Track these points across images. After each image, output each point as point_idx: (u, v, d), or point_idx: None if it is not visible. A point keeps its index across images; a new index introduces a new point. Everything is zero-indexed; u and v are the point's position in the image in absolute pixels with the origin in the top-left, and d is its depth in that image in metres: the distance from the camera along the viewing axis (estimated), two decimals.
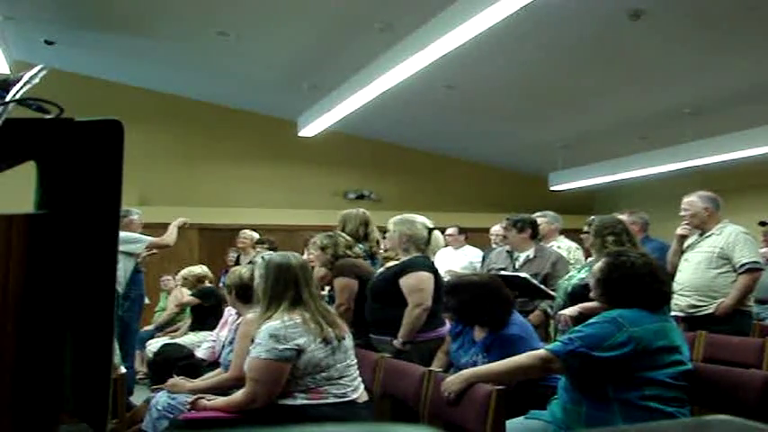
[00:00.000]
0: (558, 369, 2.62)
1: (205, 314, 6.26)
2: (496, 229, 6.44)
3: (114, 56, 8.34)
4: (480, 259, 6.84)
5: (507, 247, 5.13)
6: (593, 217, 4.31)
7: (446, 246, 6.79)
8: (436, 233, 3.94)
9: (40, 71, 1.04)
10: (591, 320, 2.62)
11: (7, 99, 0.96)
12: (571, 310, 4.04)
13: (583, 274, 4.32)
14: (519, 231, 4.92)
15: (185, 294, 6.95)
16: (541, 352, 2.66)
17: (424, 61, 5.39)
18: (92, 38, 7.74)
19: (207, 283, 6.56)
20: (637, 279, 2.64)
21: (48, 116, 0.98)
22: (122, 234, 5.52)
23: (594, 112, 8.06)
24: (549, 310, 4.54)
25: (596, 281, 2.80)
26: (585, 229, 4.46)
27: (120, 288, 5.30)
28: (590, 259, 4.41)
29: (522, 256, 4.90)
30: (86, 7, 6.93)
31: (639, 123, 8.09)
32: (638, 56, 6.43)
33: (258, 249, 6.73)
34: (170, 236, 5.82)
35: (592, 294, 2.88)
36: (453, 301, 3.33)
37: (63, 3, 6.91)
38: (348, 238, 4.24)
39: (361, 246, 4.33)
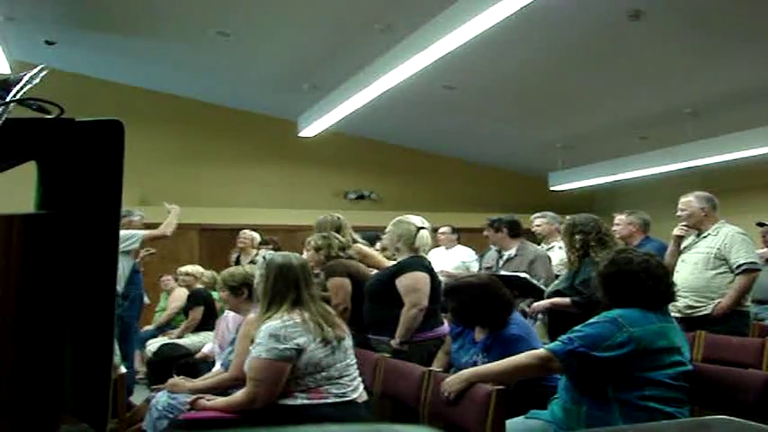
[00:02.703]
0: (558, 368, 2.62)
1: (203, 315, 6.28)
2: None
3: (114, 56, 8.34)
4: (472, 259, 6.87)
5: (497, 247, 5.26)
6: (567, 217, 4.29)
7: (438, 245, 6.80)
8: (423, 232, 3.91)
9: (40, 71, 1.04)
10: (591, 320, 2.62)
11: (8, 99, 0.96)
12: (542, 304, 4.13)
13: (557, 280, 4.39)
14: (496, 231, 5.11)
15: (177, 291, 6.97)
16: (541, 351, 2.66)
17: (424, 62, 5.39)
18: (92, 38, 7.74)
19: (197, 285, 6.57)
20: (634, 278, 2.64)
21: (48, 116, 0.98)
22: None
23: (594, 112, 8.06)
24: (526, 309, 4.58)
25: (598, 279, 2.80)
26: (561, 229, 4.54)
27: (119, 287, 5.28)
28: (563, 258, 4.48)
29: (506, 255, 5.03)
30: (86, 7, 6.93)
31: (639, 123, 8.09)
32: (637, 56, 6.43)
33: (262, 249, 6.73)
34: (168, 225, 5.65)
35: (597, 293, 2.88)
36: (453, 302, 3.33)
37: (63, 3, 6.91)
38: (342, 239, 4.24)
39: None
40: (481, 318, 3.21)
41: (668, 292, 2.70)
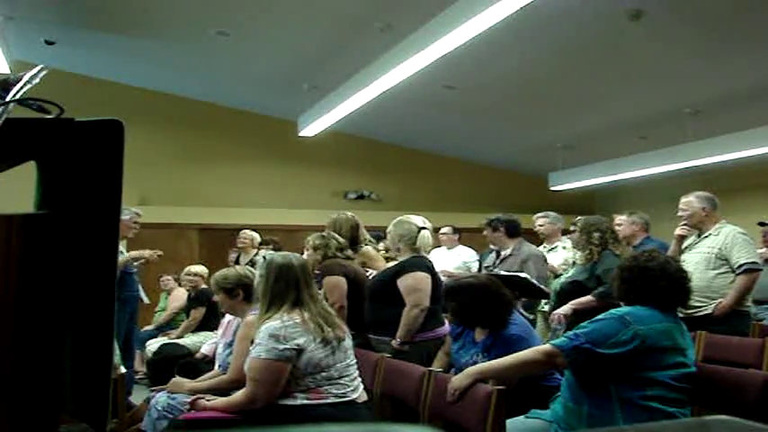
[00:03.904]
0: (563, 364, 2.62)
1: (204, 315, 6.28)
2: None
3: (114, 56, 8.34)
4: (474, 259, 6.87)
5: (497, 247, 5.25)
6: (579, 217, 4.44)
7: (439, 246, 6.80)
8: (424, 232, 3.91)
9: (40, 71, 1.04)
10: (598, 317, 2.63)
11: (8, 99, 0.96)
12: (564, 309, 4.14)
13: (568, 273, 4.42)
14: (494, 230, 5.13)
15: (177, 291, 6.97)
16: (546, 347, 2.67)
17: (424, 61, 5.39)
18: (92, 38, 7.74)
19: (202, 285, 6.56)
20: (650, 275, 2.65)
21: (48, 116, 0.98)
22: None
23: (594, 112, 8.05)
24: (546, 309, 4.61)
25: (616, 272, 2.81)
26: (572, 228, 4.56)
27: None
28: (578, 255, 4.51)
29: (503, 254, 5.04)
30: (86, 7, 6.93)
31: (639, 123, 8.09)
32: (638, 56, 6.43)
33: (262, 249, 6.73)
34: (123, 257, 5.43)
35: (612, 290, 2.89)
36: (453, 303, 3.33)
37: (63, 3, 6.91)
38: (341, 240, 4.25)
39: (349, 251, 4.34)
40: (481, 318, 3.21)
41: (682, 296, 2.70)
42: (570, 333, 2.61)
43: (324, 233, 4.31)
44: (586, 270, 4.31)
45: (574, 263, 5.18)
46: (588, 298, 4.15)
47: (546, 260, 5.21)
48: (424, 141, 10.35)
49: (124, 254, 5.45)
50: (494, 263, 5.14)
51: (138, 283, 5.82)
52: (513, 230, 5.13)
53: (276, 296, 2.99)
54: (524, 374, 2.88)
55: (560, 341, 2.61)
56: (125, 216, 5.46)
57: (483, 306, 3.17)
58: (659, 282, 2.64)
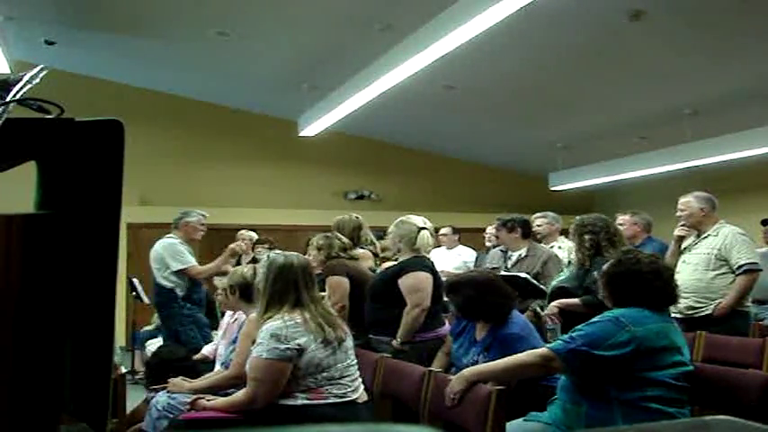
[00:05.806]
0: (559, 367, 2.61)
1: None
2: (491, 229, 6.44)
3: (114, 56, 8.35)
4: (473, 259, 6.85)
5: (502, 247, 5.16)
6: (577, 217, 4.30)
7: (439, 246, 6.79)
8: (424, 233, 3.91)
9: (40, 71, 1.04)
10: (593, 319, 2.62)
11: (8, 99, 0.96)
12: (549, 308, 4.08)
13: (562, 276, 4.34)
14: (509, 231, 4.95)
15: None
16: (543, 350, 2.65)
17: (424, 61, 5.39)
18: (92, 38, 7.74)
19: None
20: (642, 278, 2.64)
21: (48, 116, 0.98)
22: (171, 245, 5.46)
23: (594, 112, 8.06)
24: (538, 309, 4.55)
25: (603, 278, 2.79)
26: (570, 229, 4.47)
27: (179, 292, 5.41)
28: (572, 257, 4.42)
29: (515, 256, 4.94)
30: (86, 7, 6.93)
31: (639, 123, 8.09)
32: (637, 56, 6.44)
33: (258, 249, 6.73)
34: (215, 264, 5.67)
35: (600, 294, 2.87)
36: (457, 297, 3.32)
37: (63, 3, 6.91)
38: (345, 240, 4.27)
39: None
40: (485, 311, 3.20)
41: (674, 294, 2.70)
42: (566, 336, 2.60)
43: (328, 233, 4.33)
44: (577, 278, 4.06)
45: (569, 263, 5.17)
46: (576, 301, 3.94)
47: (560, 260, 5.17)
48: (424, 141, 10.36)
49: (192, 255, 5.53)
50: (504, 264, 5.02)
51: (202, 284, 5.86)
52: (528, 231, 5.06)
53: (275, 296, 2.99)
54: (521, 377, 2.87)
55: (556, 344, 2.59)
56: (192, 218, 5.56)
57: (487, 298, 3.17)
58: (654, 283, 2.63)
